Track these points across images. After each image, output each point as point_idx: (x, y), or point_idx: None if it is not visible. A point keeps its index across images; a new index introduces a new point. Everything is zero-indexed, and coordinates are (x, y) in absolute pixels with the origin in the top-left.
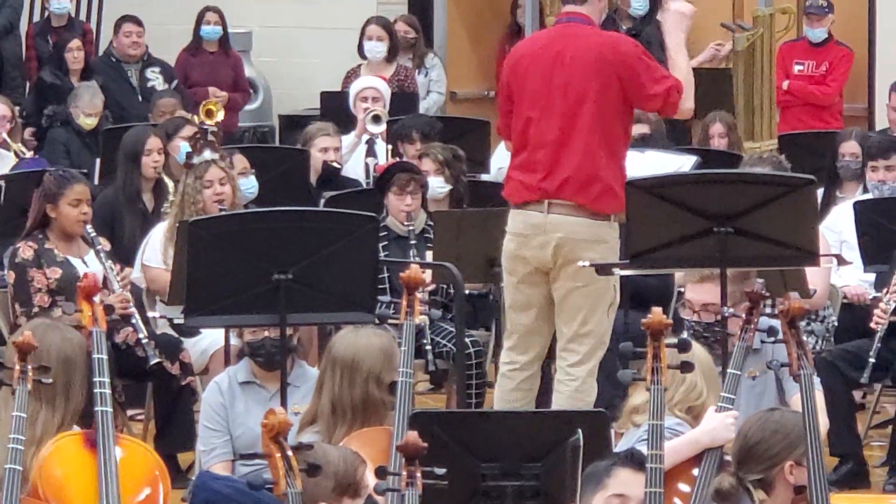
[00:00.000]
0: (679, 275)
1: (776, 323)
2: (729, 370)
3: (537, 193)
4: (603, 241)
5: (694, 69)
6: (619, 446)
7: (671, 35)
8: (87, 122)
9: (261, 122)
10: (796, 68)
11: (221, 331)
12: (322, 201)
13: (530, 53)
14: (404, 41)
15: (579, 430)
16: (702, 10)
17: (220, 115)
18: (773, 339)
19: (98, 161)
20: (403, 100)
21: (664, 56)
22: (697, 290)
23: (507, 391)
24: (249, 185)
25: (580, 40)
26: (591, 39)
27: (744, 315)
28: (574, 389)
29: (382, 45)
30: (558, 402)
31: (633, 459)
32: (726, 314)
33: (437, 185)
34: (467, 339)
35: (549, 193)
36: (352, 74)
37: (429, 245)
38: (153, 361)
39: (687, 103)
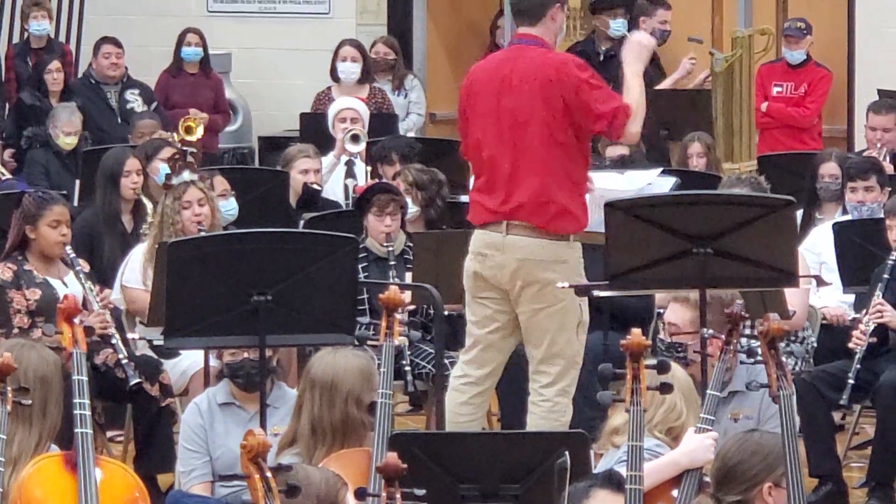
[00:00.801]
0: (659, 296)
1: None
2: (708, 391)
3: (496, 215)
4: (562, 261)
5: (673, 90)
6: (599, 467)
7: (629, 64)
8: (67, 141)
9: (240, 144)
10: (775, 90)
11: (201, 352)
12: (301, 223)
13: (482, 75)
14: (384, 63)
15: (567, 452)
16: (681, 30)
17: (200, 132)
18: (752, 360)
19: (77, 182)
20: (382, 121)
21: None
22: (668, 310)
23: (457, 405)
24: (230, 206)
25: (528, 63)
26: (537, 62)
27: (724, 336)
28: (548, 409)
29: (356, 66)
30: (533, 422)
31: (612, 480)
32: (706, 335)
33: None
34: (446, 360)
35: (507, 215)
36: (323, 97)
37: (408, 266)
38: (133, 382)
39: (633, 127)
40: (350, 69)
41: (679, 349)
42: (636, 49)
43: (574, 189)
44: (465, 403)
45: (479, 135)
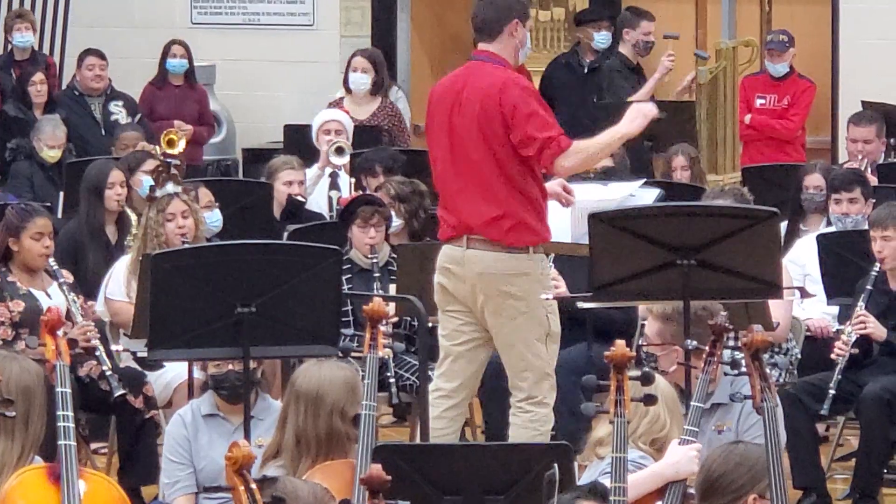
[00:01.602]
0: (643, 307)
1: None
2: (692, 403)
3: (456, 230)
4: (524, 273)
5: (658, 101)
6: (583, 479)
7: (623, 123)
8: (51, 154)
9: (224, 156)
10: (758, 102)
11: (185, 364)
12: (285, 234)
13: (438, 92)
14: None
15: (556, 465)
16: (665, 41)
17: (182, 145)
18: (736, 371)
19: (61, 194)
20: (398, 135)
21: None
22: (648, 324)
23: (432, 419)
24: (214, 218)
25: (478, 80)
26: (486, 79)
27: (707, 348)
28: (526, 420)
29: (367, 77)
30: (514, 433)
31: (596, 492)
32: (689, 347)
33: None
34: (430, 372)
35: (466, 229)
36: (334, 105)
37: (392, 278)
38: (117, 394)
39: (565, 161)
40: (360, 80)
41: (651, 360)
42: (634, 115)
43: (528, 202)
44: (438, 417)
45: (434, 152)
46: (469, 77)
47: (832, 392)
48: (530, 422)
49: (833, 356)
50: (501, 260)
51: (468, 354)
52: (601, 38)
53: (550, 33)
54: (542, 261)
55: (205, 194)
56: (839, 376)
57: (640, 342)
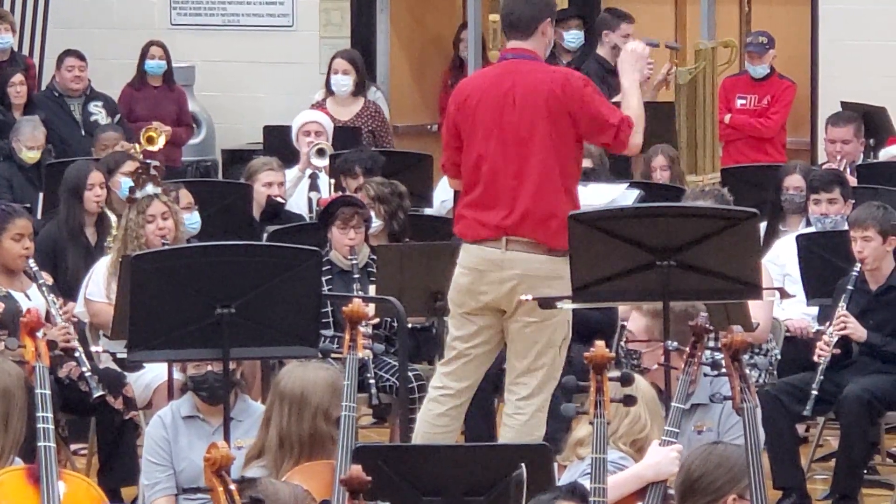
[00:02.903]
0: (622, 308)
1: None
2: (673, 404)
3: (495, 231)
4: (559, 277)
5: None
6: (563, 479)
7: (626, 74)
8: (30, 155)
9: (204, 157)
10: (739, 102)
11: (165, 365)
12: (265, 236)
13: (479, 90)
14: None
15: (522, 465)
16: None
17: (161, 142)
18: (716, 372)
19: (41, 195)
20: (382, 136)
21: (608, 89)
22: (631, 318)
23: (434, 415)
24: (193, 220)
25: (529, 76)
26: (539, 76)
27: (688, 349)
28: (522, 423)
29: (348, 78)
30: (506, 435)
31: (576, 493)
32: (670, 347)
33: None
34: (410, 373)
35: (508, 230)
36: (316, 107)
37: (372, 279)
38: (96, 395)
39: (636, 138)
40: (342, 82)
41: (634, 357)
42: (630, 59)
43: (572, 203)
44: (443, 415)
45: (480, 150)
46: (516, 74)
47: (815, 393)
48: (524, 426)
49: (815, 358)
50: (543, 262)
51: (481, 357)
52: (570, 37)
53: None
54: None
55: (184, 195)
56: (821, 377)
57: (622, 342)
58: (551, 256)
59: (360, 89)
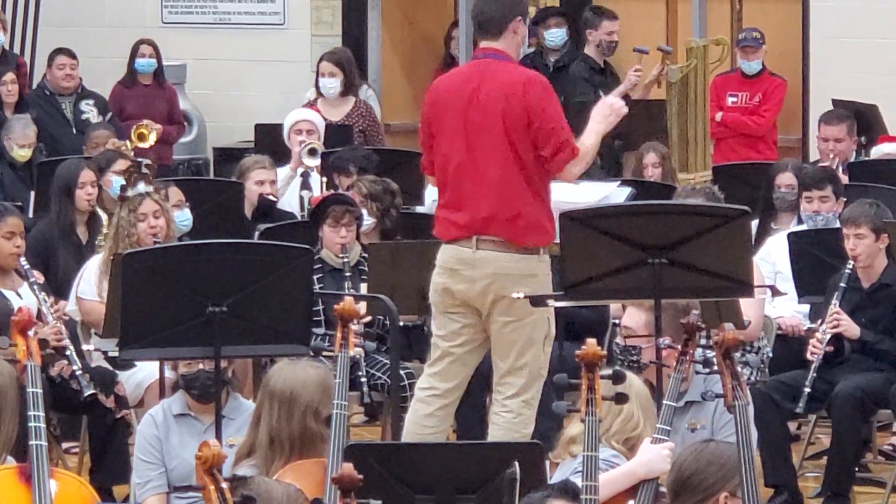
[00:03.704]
0: (614, 306)
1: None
2: (665, 402)
3: (465, 230)
4: (532, 275)
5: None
6: (555, 477)
7: (595, 121)
8: (21, 153)
9: (195, 155)
10: (730, 100)
11: (156, 363)
12: (256, 234)
13: (448, 90)
14: None
15: (516, 462)
16: (636, 40)
17: (153, 139)
18: (707, 370)
19: (32, 194)
20: (373, 135)
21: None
22: (626, 315)
23: (422, 416)
24: (184, 217)
25: (495, 77)
26: (504, 76)
27: (680, 346)
28: (509, 421)
29: (335, 80)
30: (495, 434)
31: (568, 491)
32: (661, 346)
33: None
34: (402, 371)
35: (477, 230)
36: (308, 106)
37: (363, 277)
38: (88, 394)
39: (574, 168)
40: (329, 84)
41: (633, 352)
42: (605, 111)
43: (542, 203)
44: (430, 415)
45: (447, 150)
46: (483, 74)
47: (807, 391)
48: (512, 423)
49: (808, 355)
50: (514, 261)
51: (465, 357)
52: (551, 36)
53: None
54: (548, 263)
55: (175, 193)
56: (814, 375)
57: (616, 338)
58: (522, 255)
59: (349, 89)
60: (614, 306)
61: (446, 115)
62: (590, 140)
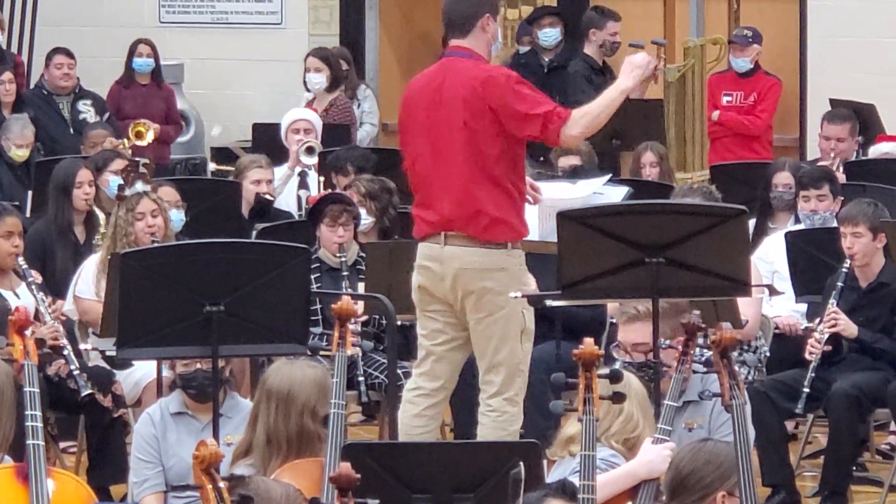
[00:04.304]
0: (611, 305)
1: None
2: (665, 402)
3: (434, 227)
4: (500, 268)
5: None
6: (552, 476)
7: (620, 77)
8: (19, 153)
9: (192, 154)
10: (725, 99)
11: (154, 363)
12: (254, 233)
13: (416, 89)
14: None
15: (521, 463)
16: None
17: (150, 137)
18: (705, 369)
19: (30, 193)
20: (336, 131)
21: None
22: (627, 331)
23: (411, 417)
24: (177, 218)
25: (458, 75)
26: (466, 74)
27: (680, 347)
28: (494, 420)
29: (321, 76)
30: (482, 432)
31: (565, 490)
32: (662, 346)
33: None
34: (399, 371)
35: (444, 226)
36: (306, 105)
37: (361, 276)
38: (85, 393)
39: (571, 130)
40: (315, 79)
41: (651, 365)
42: (627, 68)
43: (506, 198)
44: (419, 416)
45: (414, 149)
46: (446, 73)
47: (806, 390)
48: (497, 421)
49: (806, 355)
50: (478, 255)
51: (449, 355)
52: (545, 36)
53: (511, 33)
54: (519, 256)
55: (168, 193)
56: (813, 374)
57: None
58: (488, 249)
59: (335, 84)
60: (611, 306)
61: (414, 114)
62: (601, 98)
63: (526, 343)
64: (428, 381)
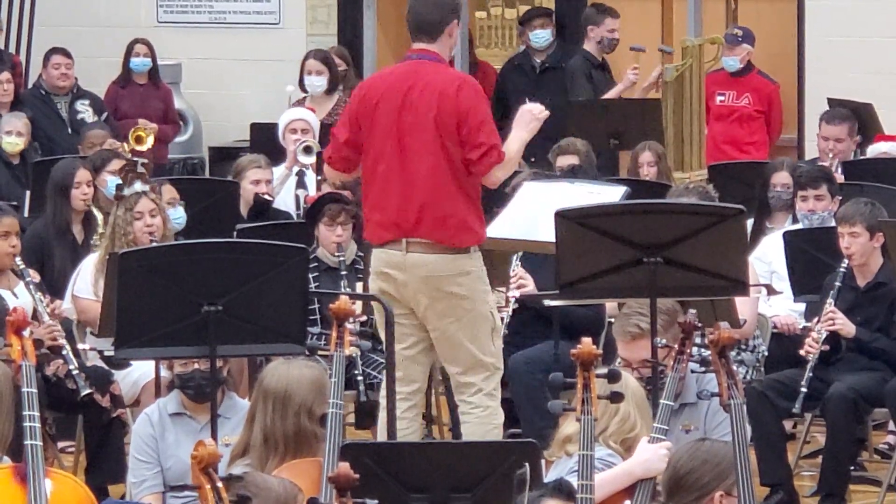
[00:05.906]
0: (610, 305)
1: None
2: (662, 401)
3: (394, 233)
4: (465, 272)
5: (624, 99)
6: (550, 475)
7: (516, 126)
8: (9, 141)
9: (191, 154)
10: (718, 98)
11: (152, 363)
12: (234, 233)
13: (381, 89)
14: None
15: (526, 464)
16: (632, 39)
17: (150, 142)
18: (703, 369)
19: (28, 193)
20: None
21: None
22: (632, 349)
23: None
24: (177, 215)
25: (427, 78)
26: (436, 77)
27: (676, 346)
28: (479, 416)
29: (321, 78)
30: (468, 430)
31: (563, 490)
32: (659, 344)
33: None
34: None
35: (406, 232)
36: (298, 104)
37: (359, 276)
38: (84, 393)
39: (499, 173)
40: (315, 82)
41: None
42: (526, 118)
43: (471, 203)
44: (400, 418)
45: (378, 150)
46: (417, 75)
47: (804, 390)
48: (483, 416)
49: (804, 354)
50: (445, 261)
51: (418, 357)
52: (536, 37)
53: (505, 33)
54: (479, 258)
55: (168, 191)
56: (810, 374)
57: (607, 340)
58: (453, 254)
59: (334, 86)
60: (609, 305)
61: (377, 115)
62: (514, 146)
63: (497, 341)
64: (404, 385)
